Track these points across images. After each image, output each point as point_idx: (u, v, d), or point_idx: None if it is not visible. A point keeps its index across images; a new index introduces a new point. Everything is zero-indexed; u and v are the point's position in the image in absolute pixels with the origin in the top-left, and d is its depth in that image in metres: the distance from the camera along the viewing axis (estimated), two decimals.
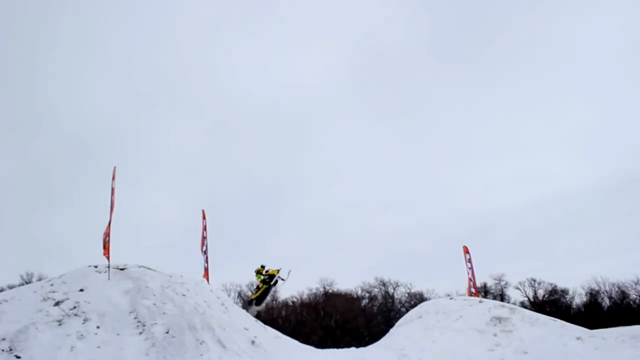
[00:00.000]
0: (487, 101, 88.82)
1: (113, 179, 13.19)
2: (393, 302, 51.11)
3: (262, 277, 17.31)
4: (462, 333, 14.00)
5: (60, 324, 10.34)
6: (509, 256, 59.77)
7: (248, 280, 51.56)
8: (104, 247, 12.54)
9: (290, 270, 17.39)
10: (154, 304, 11.68)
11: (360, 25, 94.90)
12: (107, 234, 12.59)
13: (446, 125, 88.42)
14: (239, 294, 50.30)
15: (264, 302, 17.64)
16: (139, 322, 10.89)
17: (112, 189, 13.05)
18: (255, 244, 67.09)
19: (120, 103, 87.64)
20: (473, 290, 19.72)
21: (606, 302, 45.69)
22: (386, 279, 51.56)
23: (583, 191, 71.52)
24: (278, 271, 17.20)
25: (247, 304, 18.23)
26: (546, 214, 67.79)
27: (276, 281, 17.14)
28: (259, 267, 17.46)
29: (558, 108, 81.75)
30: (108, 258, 12.51)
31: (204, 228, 17.04)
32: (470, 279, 19.75)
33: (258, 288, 17.76)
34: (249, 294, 50.93)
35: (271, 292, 18.49)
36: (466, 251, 20.16)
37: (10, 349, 9.25)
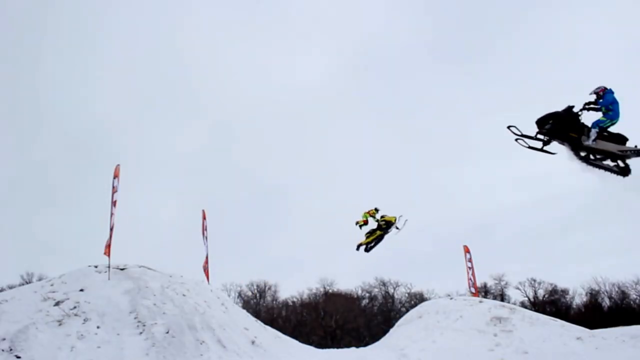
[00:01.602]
0: (487, 101, 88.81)
1: (115, 177, 13.12)
2: (393, 302, 51.07)
3: (371, 219, 16.28)
4: (462, 333, 14.01)
5: (60, 324, 10.35)
6: (509, 256, 59.70)
7: (249, 279, 51.68)
8: (106, 247, 12.51)
9: (406, 220, 16.36)
10: (154, 304, 11.68)
11: (361, 25, 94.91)
12: (110, 233, 12.57)
13: (446, 125, 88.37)
14: (239, 294, 50.29)
15: (373, 249, 16.64)
16: (139, 322, 10.90)
17: (114, 187, 12.99)
18: (256, 244, 67.14)
19: (121, 103, 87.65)
20: (473, 290, 19.72)
21: (606, 302, 45.66)
22: (386, 279, 51.53)
23: (583, 191, 71.43)
24: (396, 219, 16.36)
25: (356, 248, 17.15)
26: (546, 214, 67.69)
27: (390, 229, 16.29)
28: (373, 209, 16.51)
29: (558, 108, 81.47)
30: (109, 257, 12.50)
31: (205, 228, 17.02)
32: (470, 279, 19.75)
33: (370, 233, 16.73)
34: (249, 293, 51.01)
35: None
36: (467, 251, 20.15)
37: (11, 349, 9.25)
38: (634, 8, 73.64)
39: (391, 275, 51.87)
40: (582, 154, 10.06)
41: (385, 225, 16.20)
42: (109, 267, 12.75)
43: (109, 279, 12.47)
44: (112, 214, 12.71)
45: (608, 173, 10.21)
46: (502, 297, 47.53)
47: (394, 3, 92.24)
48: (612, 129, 9.98)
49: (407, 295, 51.08)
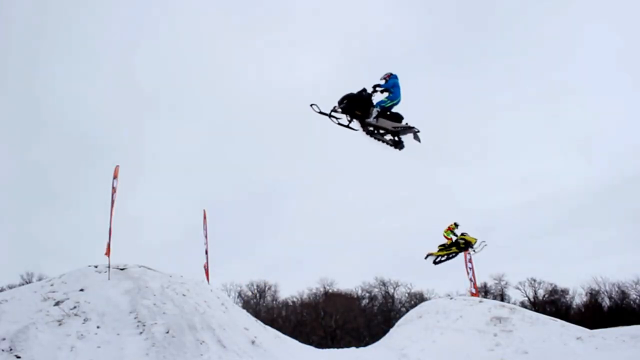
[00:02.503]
0: (487, 101, 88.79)
1: (115, 177, 13.18)
2: (393, 302, 51.07)
3: (453, 237, 16.05)
4: (462, 333, 14.02)
5: (60, 324, 10.35)
6: (509, 256, 59.67)
7: (249, 279, 51.69)
8: (106, 247, 12.52)
9: (486, 245, 16.42)
10: (154, 304, 11.68)
11: (362, 25, 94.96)
12: (109, 233, 12.58)
13: (446, 125, 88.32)
14: (239, 294, 50.30)
15: (440, 264, 16.61)
16: (139, 322, 10.90)
17: (113, 188, 13.04)
18: (256, 244, 67.14)
19: (121, 103, 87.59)
20: (473, 290, 19.72)
21: (606, 302, 45.64)
22: (386, 279, 51.54)
23: (583, 191, 71.40)
24: (476, 241, 16.34)
25: (425, 256, 17.03)
26: (546, 214, 67.59)
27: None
28: (452, 224, 16.33)
29: (558, 108, 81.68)
30: (109, 257, 12.51)
31: (205, 228, 17.01)
32: (470, 279, 19.75)
33: (444, 246, 16.53)
34: (249, 293, 51.00)
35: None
36: (467, 251, 20.14)
37: (11, 349, 9.25)
38: (635, 9, 73.71)
39: (391, 275, 51.96)
40: (370, 129, 11.31)
41: (464, 245, 16.16)
42: (109, 267, 12.76)
43: (109, 279, 12.48)
44: (111, 215, 12.72)
45: (387, 146, 11.66)
46: (502, 297, 47.52)
47: (395, 3, 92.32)
48: (396, 110, 11.38)
49: (407, 295, 51.12)
